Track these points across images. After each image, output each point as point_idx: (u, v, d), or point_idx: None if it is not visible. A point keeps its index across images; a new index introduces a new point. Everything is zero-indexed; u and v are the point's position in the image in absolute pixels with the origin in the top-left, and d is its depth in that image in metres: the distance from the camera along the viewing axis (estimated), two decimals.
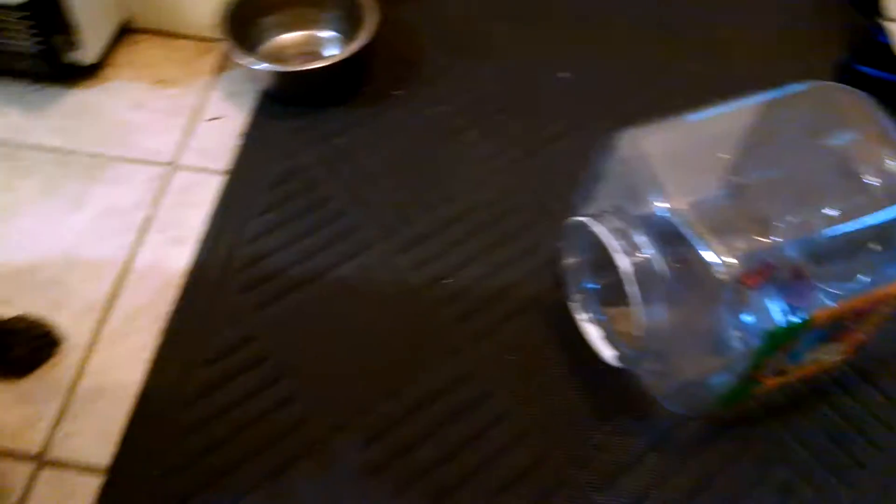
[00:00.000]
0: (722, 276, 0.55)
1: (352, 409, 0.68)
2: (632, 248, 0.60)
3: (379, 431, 0.67)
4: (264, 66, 0.85)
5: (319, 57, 0.87)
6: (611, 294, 0.69)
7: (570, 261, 0.70)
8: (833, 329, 0.61)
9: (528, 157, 0.85)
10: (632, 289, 0.59)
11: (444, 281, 0.75)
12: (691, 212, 0.59)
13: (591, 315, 0.70)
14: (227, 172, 0.83)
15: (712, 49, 0.95)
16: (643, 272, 0.59)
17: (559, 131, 0.87)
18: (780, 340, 0.57)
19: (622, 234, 0.61)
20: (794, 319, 0.58)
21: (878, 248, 0.63)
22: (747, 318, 0.62)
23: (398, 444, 0.66)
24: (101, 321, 0.72)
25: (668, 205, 0.58)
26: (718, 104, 0.67)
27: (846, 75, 0.91)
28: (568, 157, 0.84)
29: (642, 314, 0.60)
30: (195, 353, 0.70)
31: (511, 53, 0.93)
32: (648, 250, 0.59)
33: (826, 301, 0.61)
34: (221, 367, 0.69)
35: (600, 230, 0.62)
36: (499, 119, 0.88)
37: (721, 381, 0.61)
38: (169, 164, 0.84)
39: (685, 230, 0.57)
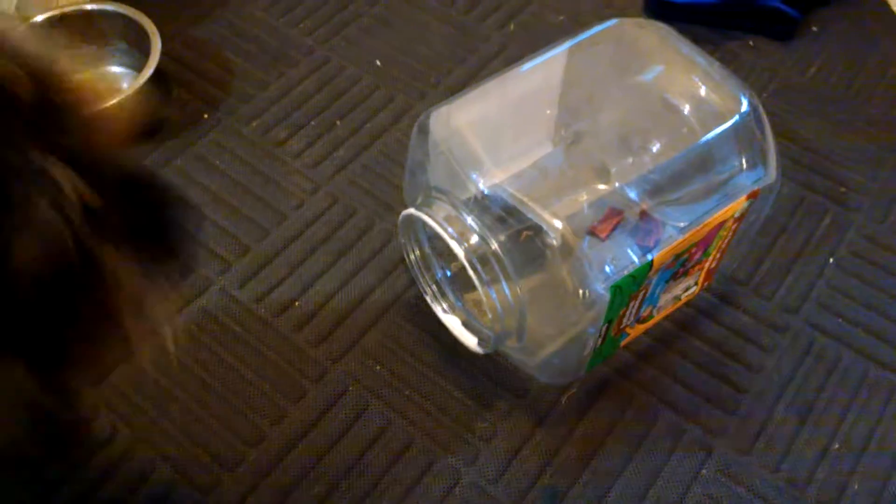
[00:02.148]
0: (554, 241, 0.53)
1: (219, 467, 0.63)
2: (465, 232, 0.57)
3: (253, 483, 0.62)
4: None
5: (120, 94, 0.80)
6: (465, 278, 0.66)
7: (414, 255, 0.67)
8: (679, 265, 0.60)
9: (357, 155, 0.81)
10: (473, 273, 0.56)
11: (294, 305, 0.71)
12: (515, 182, 0.57)
13: (447, 305, 0.67)
14: None
15: (519, 7, 0.93)
16: (479, 254, 0.56)
17: (383, 123, 0.83)
18: (627, 291, 0.56)
19: (454, 220, 0.58)
20: (649, 258, 0.57)
21: (706, 172, 0.63)
22: (606, 269, 0.60)
23: (275, 491, 0.61)
24: None
25: (488, 181, 0.56)
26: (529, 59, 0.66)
27: (654, 7, 0.91)
28: (397, 148, 0.81)
29: (490, 296, 0.57)
30: None
31: (323, 52, 0.89)
32: (479, 232, 0.56)
33: (676, 235, 0.61)
34: None
35: (431, 220, 0.58)
36: (321, 122, 0.83)
37: (584, 343, 0.60)
38: None
39: (511, 203, 0.55)
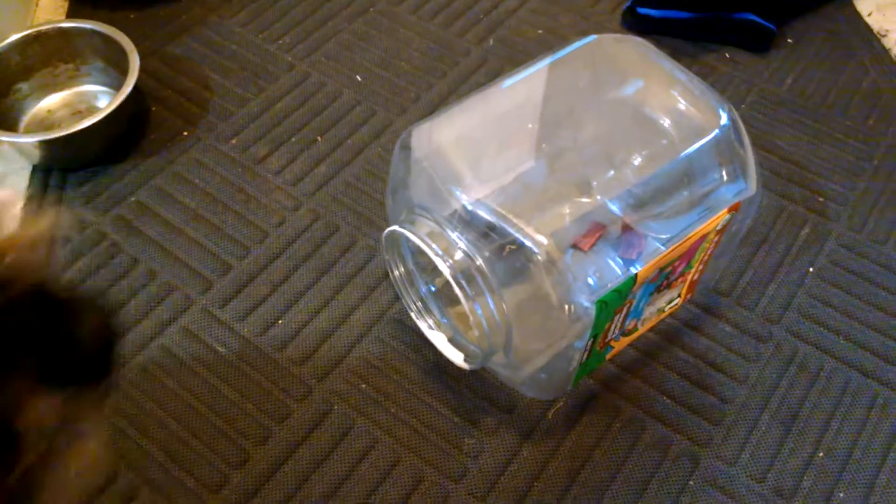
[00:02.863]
0: (538, 256, 0.53)
1: (202, 490, 0.62)
2: (449, 249, 0.57)
3: None
4: (23, 138, 0.76)
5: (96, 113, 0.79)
6: (450, 292, 0.66)
7: (398, 271, 0.67)
8: (663, 278, 0.61)
9: (338, 171, 0.80)
10: (458, 290, 0.56)
11: (277, 323, 0.70)
12: (498, 197, 0.57)
13: (433, 321, 0.67)
14: None
15: (498, 21, 0.93)
16: (464, 270, 0.56)
17: (364, 139, 0.83)
18: (612, 305, 0.56)
19: (438, 236, 0.58)
20: (633, 271, 0.57)
21: (688, 185, 0.64)
22: (590, 281, 0.60)
23: None
24: None
25: (470, 197, 0.56)
26: (509, 75, 0.66)
27: (631, 20, 0.92)
28: (378, 164, 0.81)
29: (475, 312, 0.57)
30: None
31: (303, 68, 0.88)
32: (463, 248, 0.56)
33: (659, 247, 0.61)
34: None
35: (415, 236, 0.58)
36: (301, 138, 0.83)
37: (570, 357, 0.60)
38: None
39: (493, 219, 0.55)
